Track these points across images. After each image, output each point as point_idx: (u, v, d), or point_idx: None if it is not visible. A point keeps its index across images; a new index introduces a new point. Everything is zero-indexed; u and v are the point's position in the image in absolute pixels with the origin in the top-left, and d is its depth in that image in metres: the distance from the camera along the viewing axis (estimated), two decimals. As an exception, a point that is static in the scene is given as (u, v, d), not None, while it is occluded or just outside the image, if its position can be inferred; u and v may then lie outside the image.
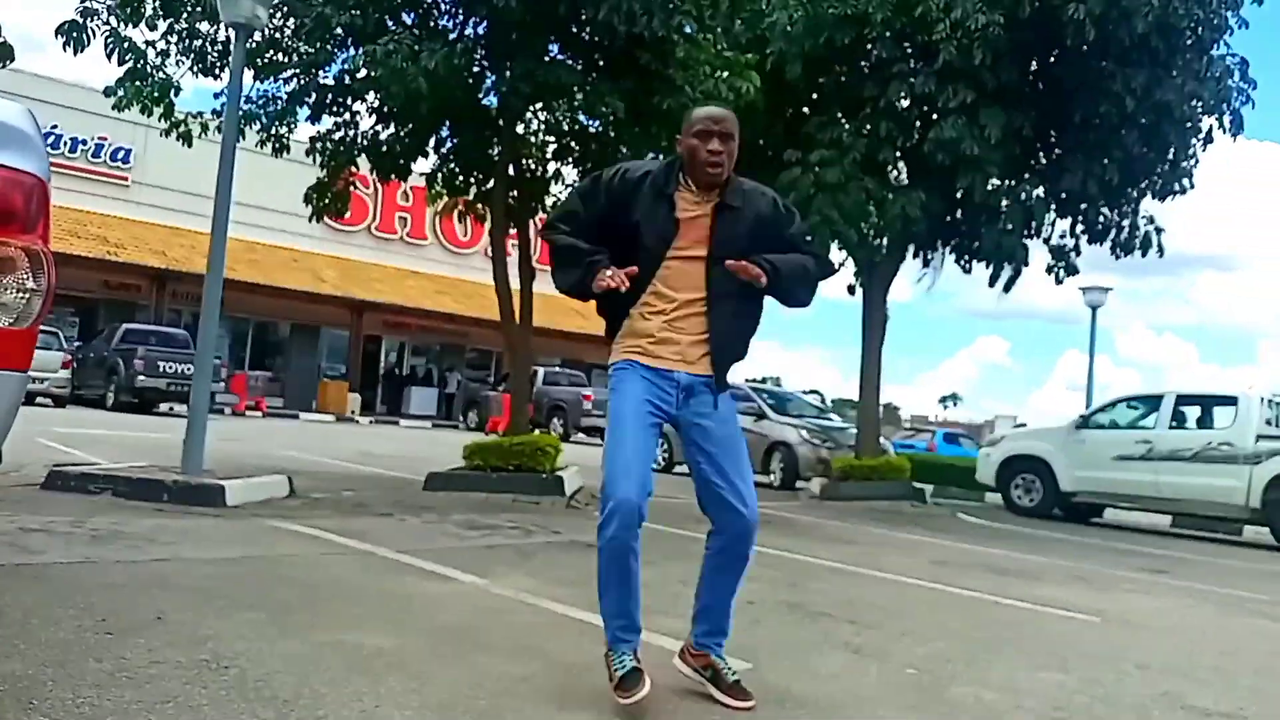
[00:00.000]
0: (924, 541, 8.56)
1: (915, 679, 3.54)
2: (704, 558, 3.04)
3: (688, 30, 8.43)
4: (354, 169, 9.77)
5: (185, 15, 8.64)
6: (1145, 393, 12.74)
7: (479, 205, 10.12)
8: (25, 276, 1.80)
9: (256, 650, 3.12)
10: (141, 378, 19.18)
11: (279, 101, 9.02)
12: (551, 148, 9.84)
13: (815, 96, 11.88)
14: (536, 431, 10.88)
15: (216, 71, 8.98)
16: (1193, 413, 12.30)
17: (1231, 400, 11.80)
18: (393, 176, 9.56)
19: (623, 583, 2.83)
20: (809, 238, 3.19)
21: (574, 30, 8.47)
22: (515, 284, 9.46)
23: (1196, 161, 11.13)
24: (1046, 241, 12.01)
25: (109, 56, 8.48)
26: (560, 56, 8.67)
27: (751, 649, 3.74)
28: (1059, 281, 12.20)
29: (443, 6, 8.79)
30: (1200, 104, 10.81)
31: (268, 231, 26.42)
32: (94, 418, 16.32)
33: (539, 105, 9.09)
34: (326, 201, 10.05)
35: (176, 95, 8.90)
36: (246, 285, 24.34)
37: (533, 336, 10.37)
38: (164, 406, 20.21)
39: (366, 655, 3.18)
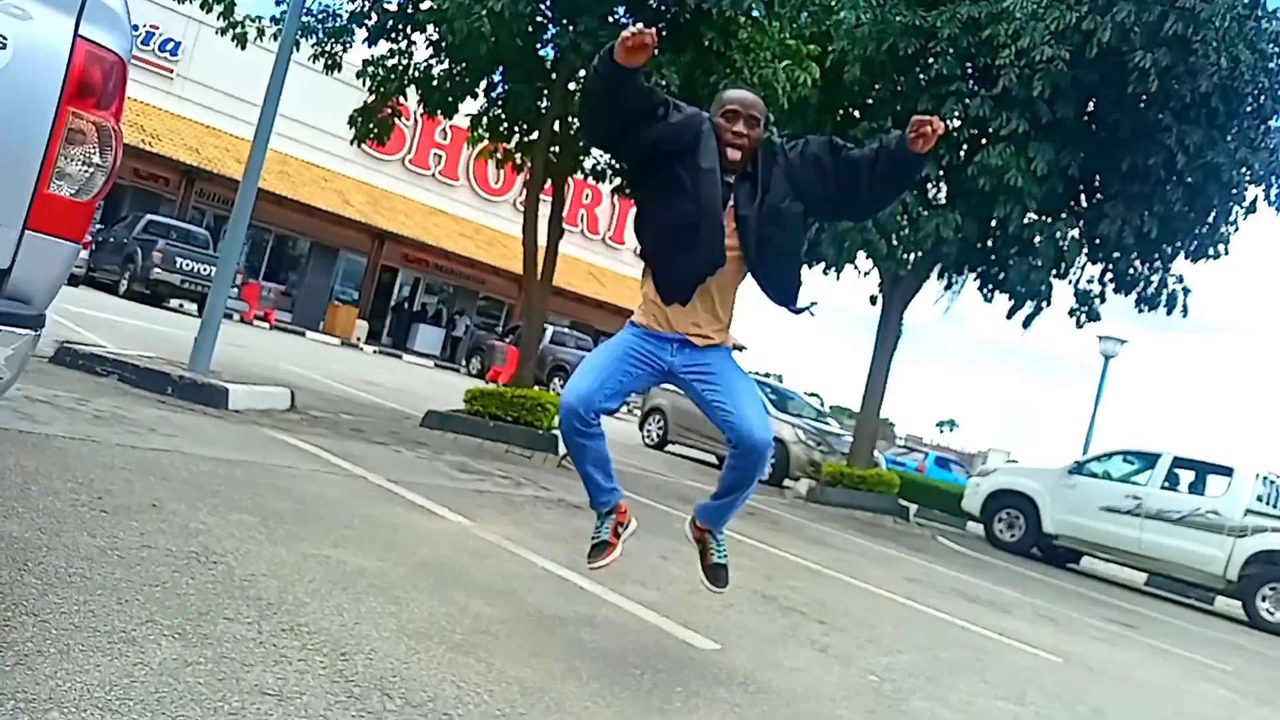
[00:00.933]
0: (901, 558, 8.63)
1: (876, 685, 3.60)
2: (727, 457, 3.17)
3: (755, 14, 8.38)
4: (402, 98, 9.75)
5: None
6: (1143, 449, 12.76)
7: (518, 155, 10.10)
8: (93, 151, 1.83)
9: (245, 551, 3.19)
10: (158, 270, 19.21)
11: (339, 19, 9.00)
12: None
13: (869, 101, 11.84)
14: (538, 388, 10.93)
15: (284, -23, 8.96)
16: (1186, 476, 12.34)
17: (1227, 470, 11.83)
18: (439, 112, 9.53)
19: (586, 458, 3.05)
20: (839, 139, 3.03)
21: (643, -5, 8.43)
22: (542, 239, 9.45)
23: (1236, 228, 11.09)
24: (1072, 284, 11.99)
25: (179, -54, 8.46)
26: (625, 19, 8.63)
27: (722, 631, 3.82)
28: (1079, 325, 12.20)
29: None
30: (1249, 172, 10.77)
31: (303, 147, 26.42)
32: (105, 303, 16.35)
33: (595, 64, 9.06)
34: (371, 127, 10.03)
35: (241, -4, 8.89)
36: (274, 197, 24.37)
37: (550, 295, 10.39)
38: (174, 303, 20.31)
39: (349, 573, 3.24)
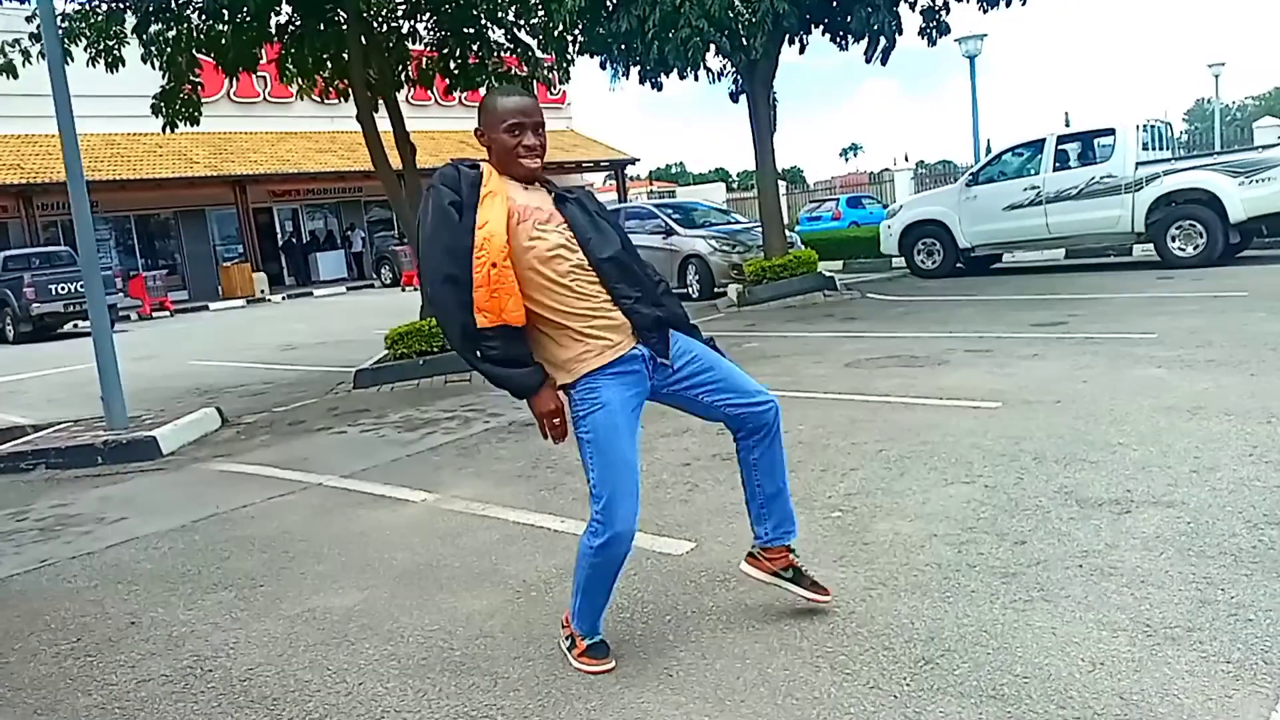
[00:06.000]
0: (837, 338, 8.98)
1: (839, 523, 3.88)
2: (741, 462, 2.97)
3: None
4: (198, 70, 9.19)
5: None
6: (1028, 140, 13.07)
7: (339, 82, 9.65)
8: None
9: (233, 642, 3.32)
10: (36, 305, 18.52)
11: (98, 14, 8.35)
12: (401, 6, 9.32)
13: None
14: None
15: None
16: (1075, 150, 12.72)
17: (1109, 132, 12.21)
18: (240, 70, 9.03)
19: (607, 588, 2.81)
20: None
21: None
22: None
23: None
24: (913, 6, 11.89)
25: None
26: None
27: (693, 524, 4.06)
28: (932, 43, 12.18)
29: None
30: None
31: (123, 120, 24.67)
32: None
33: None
34: (178, 108, 9.50)
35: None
36: (115, 184, 23.19)
37: (423, 180, 10.17)
38: (68, 326, 19.63)
39: (337, 622, 3.40)
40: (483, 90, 10.66)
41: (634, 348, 2.71)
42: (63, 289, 18.75)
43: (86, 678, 3.15)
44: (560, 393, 2.73)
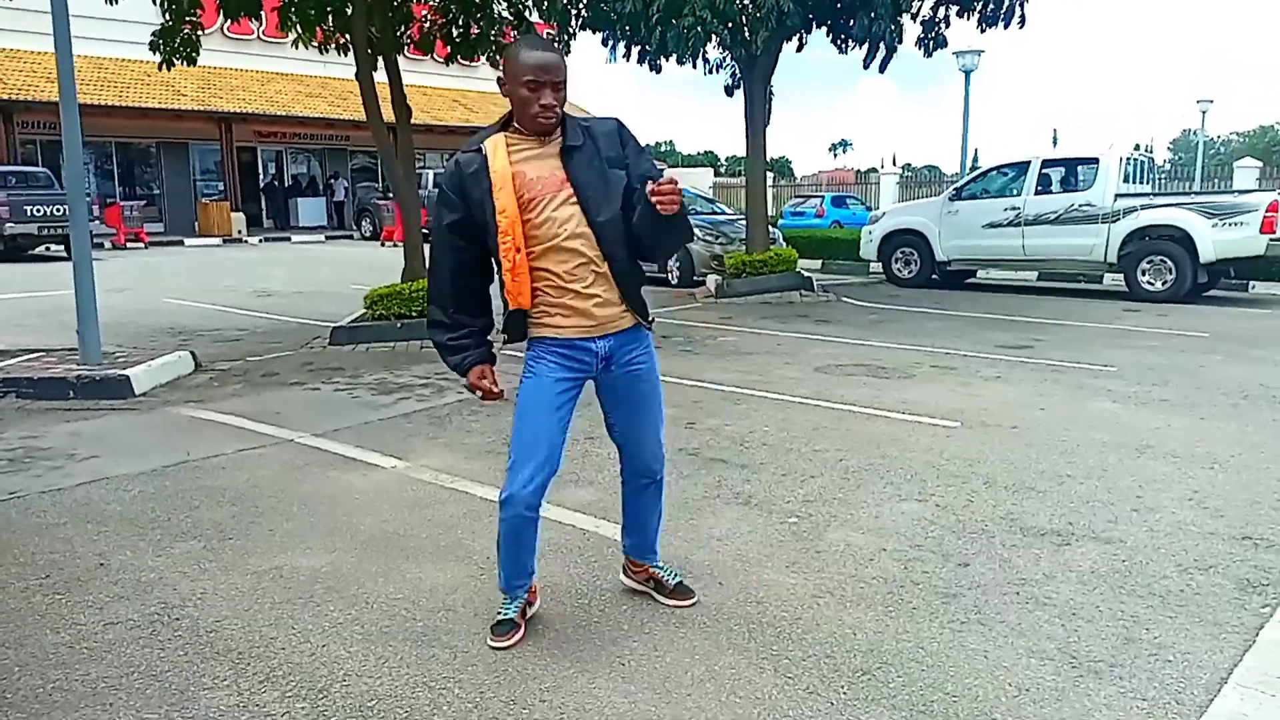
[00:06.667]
0: (810, 340, 9.14)
1: (795, 529, 4.04)
2: (623, 481, 3.22)
3: None
4: (199, 10, 9.12)
5: None
6: (1014, 161, 13.29)
7: (338, 36, 9.62)
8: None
9: (201, 592, 3.42)
10: (10, 225, 18.29)
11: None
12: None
13: None
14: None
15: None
16: (1058, 175, 12.95)
17: (1093, 161, 12.44)
18: (242, 14, 8.98)
19: (519, 546, 2.97)
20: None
21: None
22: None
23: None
24: (914, 15, 12.01)
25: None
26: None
27: (652, 517, 4.19)
28: (928, 54, 12.33)
29: None
30: None
31: (114, 45, 24.38)
32: None
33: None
34: (175, 45, 9.43)
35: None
36: (101, 109, 22.83)
37: (416, 137, 10.15)
38: (39, 249, 19.42)
39: (304, 582, 3.50)
40: (483, 58, 10.67)
41: (589, 339, 2.84)
42: (38, 211, 18.54)
43: (55, 615, 3.24)
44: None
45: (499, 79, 2.79)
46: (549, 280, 2.79)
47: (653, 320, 3.00)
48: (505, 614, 3.06)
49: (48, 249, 19.49)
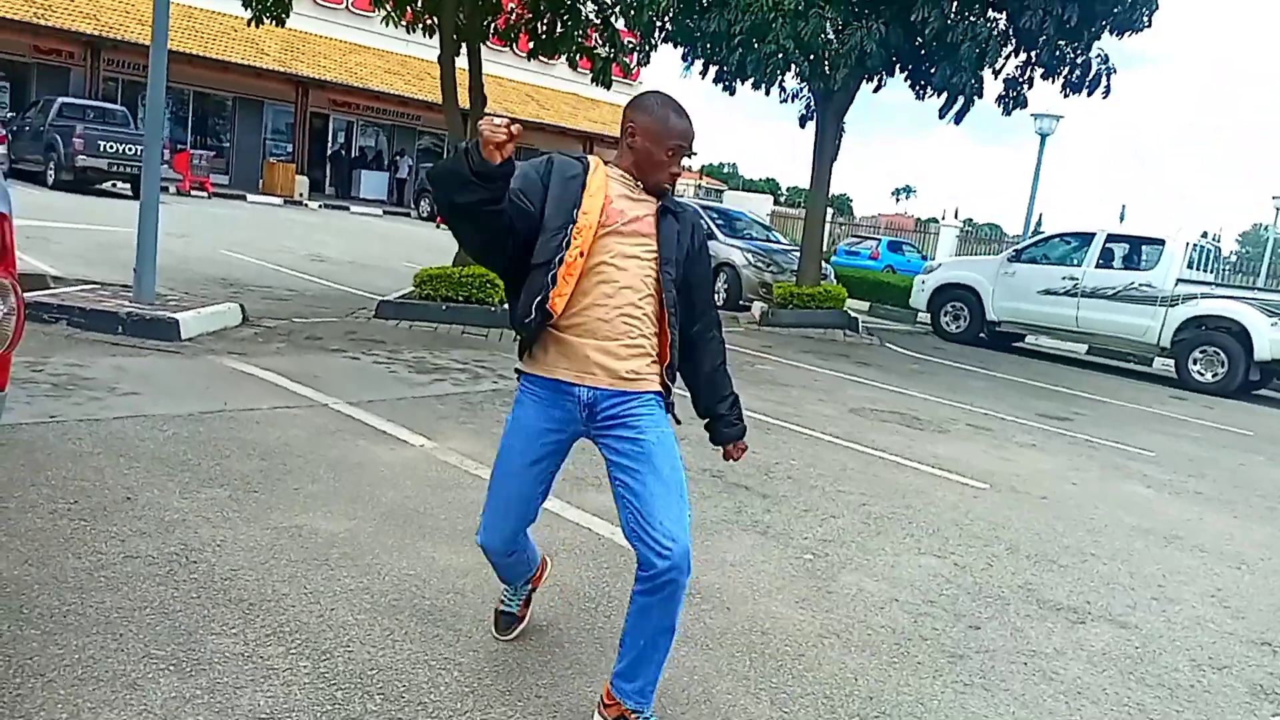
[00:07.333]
0: (848, 380, 9.10)
1: (810, 565, 4.03)
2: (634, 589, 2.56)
3: None
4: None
5: None
6: (1078, 230, 13.16)
7: (426, 18, 9.77)
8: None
9: (220, 539, 3.47)
10: (82, 157, 18.69)
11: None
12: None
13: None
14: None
15: None
16: (1121, 252, 12.81)
17: (1158, 242, 12.29)
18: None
19: (510, 570, 2.88)
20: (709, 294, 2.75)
21: None
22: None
23: (1156, 4, 11.02)
24: (996, 73, 11.96)
25: None
26: None
27: (669, 532, 4.19)
28: (1007, 113, 12.26)
29: None
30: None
31: (205, -5, 25.02)
32: (35, 200, 15.94)
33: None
34: (268, 3, 9.63)
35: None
36: (185, 56, 23.30)
37: None
38: (106, 184, 19.84)
39: (321, 544, 3.55)
40: (563, 58, 10.77)
41: (574, 384, 2.49)
42: (111, 147, 18.93)
43: (78, 541, 3.31)
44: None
45: (627, 124, 2.53)
46: (580, 304, 2.47)
47: (671, 404, 2.62)
48: (508, 607, 3.04)
49: (114, 185, 19.89)
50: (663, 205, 2.60)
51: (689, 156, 2.68)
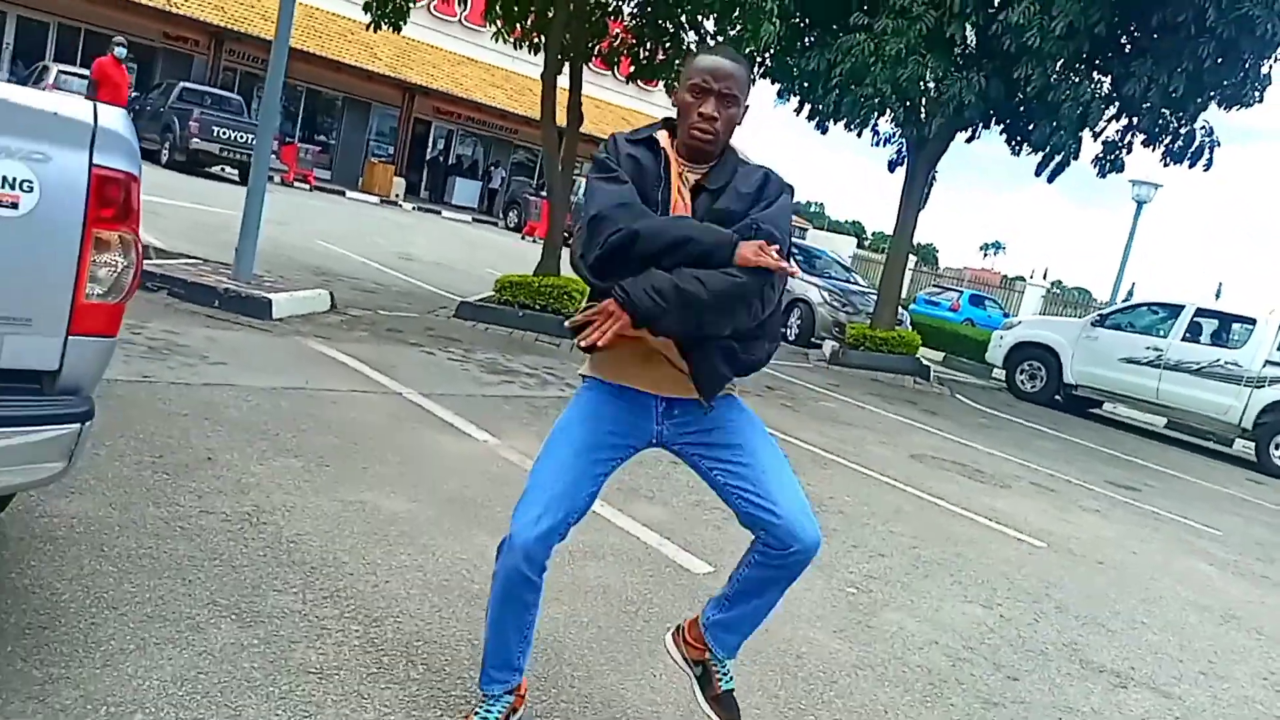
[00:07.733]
0: (912, 427, 9.04)
1: (852, 599, 4.06)
2: (752, 552, 2.46)
3: None
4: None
5: None
6: (1167, 301, 12.88)
7: (534, 36, 10.06)
8: (118, 259, 2.16)
9: (291, 505, 3.66)
10: (196, 140, 19.54)
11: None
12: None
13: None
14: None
15: None
16: (1209, 327, 12.49)
17: (1250, 321, 11.97)
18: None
19: (510, 613, 2.34)
20: (773, 231, 2.17)
21: None
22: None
23: (1270, 82, 10.81)
24: (1096, 135, 11.84)
25: None
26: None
27: (719, 550, 4.27)
28: (1102, 175, 12.11)
29: None
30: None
31: (330, -1, 25.99)
32: (148, 177, 16.22)
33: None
34: (388, 10, 10.02)
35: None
36: (302, 54, 24.18)
37: (580, 146, 10.47)
38: (216, 168, 20.70)
39: (383, 521, 3.71)
40: (661, 84, 10.97)
41: (648, 393, 2.32)
42: (224, 134, 19.77)
43: (159, 492, 3.51)
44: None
45: (673, 87, 2.47)
46: None
47: (734, 386, 2.38)
48: (491, 689, 2.40)
49: (223, 170, 20.74)
50: (695, 183, 2.24)
51: (724, 101, 2.20)
